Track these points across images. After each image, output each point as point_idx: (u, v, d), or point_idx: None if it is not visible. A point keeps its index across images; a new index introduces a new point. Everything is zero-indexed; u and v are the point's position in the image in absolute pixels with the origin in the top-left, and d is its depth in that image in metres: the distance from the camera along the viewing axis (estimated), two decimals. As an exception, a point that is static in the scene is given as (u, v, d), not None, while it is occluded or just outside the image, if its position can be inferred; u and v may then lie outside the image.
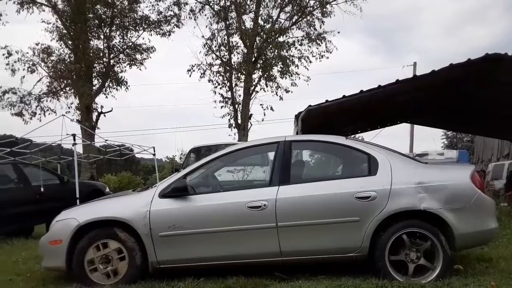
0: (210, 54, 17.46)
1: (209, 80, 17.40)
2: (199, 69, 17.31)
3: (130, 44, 17.94)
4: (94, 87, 17.07)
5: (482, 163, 20.19)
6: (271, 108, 17.09)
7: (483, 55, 6.37)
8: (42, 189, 7.57)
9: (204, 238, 3.79)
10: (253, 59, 17.07)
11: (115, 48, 17.76)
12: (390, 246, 3.64)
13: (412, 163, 4.04)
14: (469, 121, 12.42)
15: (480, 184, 3.88)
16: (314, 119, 8.04)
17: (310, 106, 7.49)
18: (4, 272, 4.65)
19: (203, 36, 17.54)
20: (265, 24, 17.24)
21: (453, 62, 6.62)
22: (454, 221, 3.61)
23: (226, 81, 17.50)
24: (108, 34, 17.39)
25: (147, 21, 17.62)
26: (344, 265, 3.90)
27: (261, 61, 17.24)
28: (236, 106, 17.40)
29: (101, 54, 17.48)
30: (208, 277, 3.84)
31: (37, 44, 16.58)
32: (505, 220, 6.87)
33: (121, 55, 17.97)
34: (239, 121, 17.21)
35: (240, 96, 17.47)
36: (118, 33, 17.72)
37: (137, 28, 17.72)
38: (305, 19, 17.40)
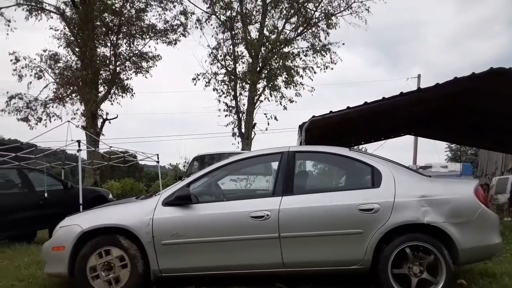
0: (215, 63, 17.60)
1: (214, 89, 17.49)
2: (204, 77, 17.41)
3: (137, 52, 18.10)
4: (99, 94, 17.20)
5: (486, 177, 20.09)
6: (275, 118, 17.12)
7: (487, 69, 6.40)
8: (45, 195, 7.60)
9: (206, 247, 3.78)
10: (258, 68, 17.18)
11: (121, 56, 17.91)
12: (393, 259, 3.61)
13: (415, 176, 4.04)
14: (472, 134, 12.40)
15: (484, 198, 3.86)
16: (318, 130, 8.07)
17: (314, 116, 7.52)
18: (6, 277, 4.65)
19: (208, 46, 17.72)
20: (271, 34, 17.38)
21: (458, 75, 6.65)
22: (458, 235, 3.60)
23: (230, 90, 17.58)
24: (115, 41, 17.57)
25: (153, 30, 17.79)
26: (346, 277, 3.89)
27: (266, 71, 17.33)
28: (240, 115, 17.46)
29: (108, 61, 17.63)
30: (209, 286, 3.84)
31: (44, 51, 16.79)
32: (509, 235, 6.82)
33: (127, 63, 18.13)
34: (243, 130, 17.23)
35: (244, 105, 17.56)
36: (124, 41, 17.89)
37: (143, 36, 17.89)
38: (310, 30, 17.55)
